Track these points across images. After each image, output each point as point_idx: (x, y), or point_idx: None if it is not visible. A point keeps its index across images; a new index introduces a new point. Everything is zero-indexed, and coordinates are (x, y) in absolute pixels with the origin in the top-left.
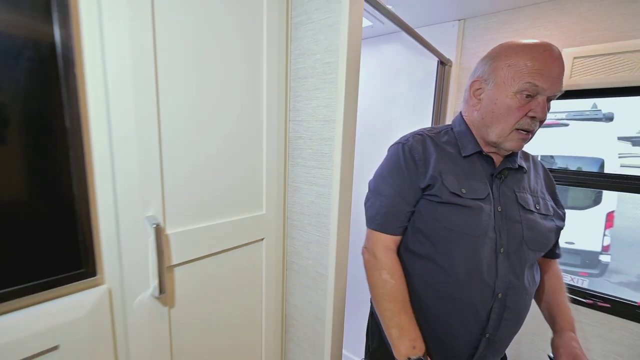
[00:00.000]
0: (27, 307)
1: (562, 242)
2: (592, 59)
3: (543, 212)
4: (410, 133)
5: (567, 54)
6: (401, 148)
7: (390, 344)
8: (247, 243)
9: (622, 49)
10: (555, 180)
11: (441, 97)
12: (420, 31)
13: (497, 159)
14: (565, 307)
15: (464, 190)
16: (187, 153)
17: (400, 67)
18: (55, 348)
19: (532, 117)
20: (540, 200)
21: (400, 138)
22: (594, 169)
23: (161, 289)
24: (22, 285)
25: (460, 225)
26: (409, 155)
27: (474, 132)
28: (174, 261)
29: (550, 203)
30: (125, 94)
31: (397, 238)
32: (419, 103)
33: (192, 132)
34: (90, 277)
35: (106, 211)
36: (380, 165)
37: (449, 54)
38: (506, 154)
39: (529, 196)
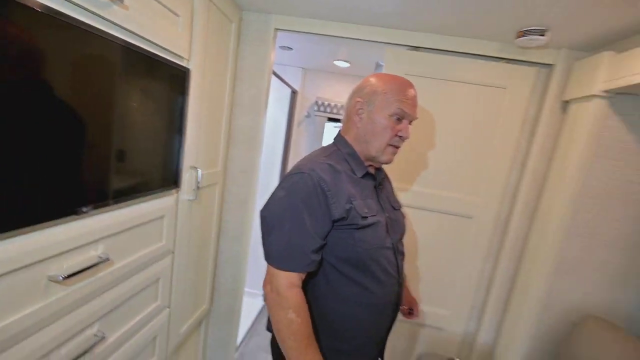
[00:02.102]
0: (155, 199)
1: None
2: None
3: (398, 207)
4: (309, 161)
5: None
6: (308, 179)
7: None
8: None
9: None
10: None
11: (293, 112)
12: (288, 70)
13: (372, 171)
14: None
15: (366, 210)
16: None
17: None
18: (162, 217)
19: (400, 137)
20: (395, 197)
21: (300, 166)
22: None
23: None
24: (156, 190)
25: (374, 242)
26: (318, 187)
27: (357, 150)
28: None
29: (396, 198)
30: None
31: (304, 274)
32: (281, 114)
33: None
34: (176, 188)
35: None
36: (279, 196)
37: (297, 87)
38: (378, 167)
39: (393, 196)
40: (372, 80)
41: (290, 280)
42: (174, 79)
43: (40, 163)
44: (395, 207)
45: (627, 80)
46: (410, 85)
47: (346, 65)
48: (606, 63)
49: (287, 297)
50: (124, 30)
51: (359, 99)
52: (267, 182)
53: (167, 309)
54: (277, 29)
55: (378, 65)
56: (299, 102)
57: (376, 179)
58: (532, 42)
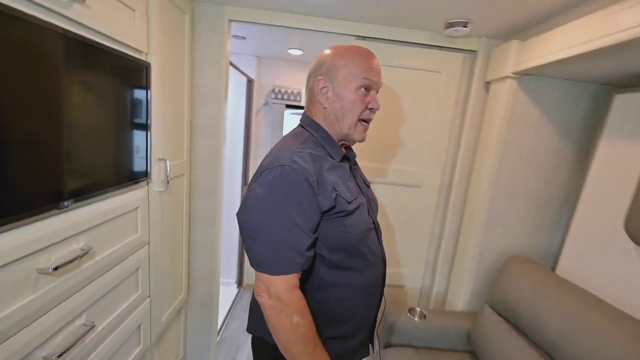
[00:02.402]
0: (129, 192)
1: None
2: None
3: (369, 184)
4: (286, 151)
5: None
6: (290, 172)
7: None
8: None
9: None
10: None
11: (251, 100)
12: (242, 58)
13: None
14: None
15: (349, 194)
16: None
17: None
18: (136, 208)
19: (371, 109)
20: (364, 175)
21: (279, 158)
22: None
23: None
24: (128, 183)
25: (362, 226)
26: (303, 180)
27: (329, 131)
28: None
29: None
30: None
31: (300, 273)
32: (239, 103)
33: None
34: (146, 180)
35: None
36: (259, 195)
37: (252, 75)
38: (348, 147)
39: (363, 175)
40: (329, 54)
41: (289, 283)
42: (135, 73)
43: (17, 161)
44: (367, 184)
45: (528, 64)
46: (371, 53)
47: (300, 52)
48: (514, 50)
49: (289, 302)
50: (85, 28)
51: (320, 78)
52: (231, 171)
53: (148, 298)
54: (231, 20)
55: None
56: (255, 90)
57: (350, 160)
58: (458, 32)
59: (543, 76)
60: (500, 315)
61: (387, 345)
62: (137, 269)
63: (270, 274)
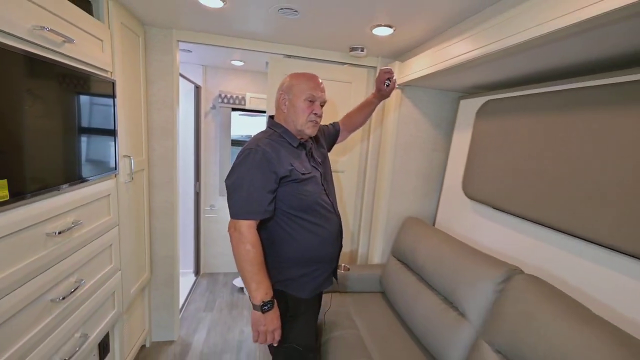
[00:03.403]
0: (104, 181)
1: None
2: None
3: (323, 161)
4: (254, 140)
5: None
6: (254, 152)
7: (250, 295)
8: None
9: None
10: None
11: (199, 105)
12: (189, 67)
13: (303, 142)
14: (362, 102)
15: (303, 169)
16: None
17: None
18: (109, 195)
19: (315, 114)
20: (322, 152)
21: (249, 144)
22: None
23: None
24: (104, 174)
25: (314, 191)
26: (262, 156)
27: (289, 128)
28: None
29: (324, 151)
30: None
31: (258, 220)
32: (189, 108)
33: None
34: (115, 172)
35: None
36: (236, 166)
37: (200, 83)
38: (306, 140)
39: (320, 153)
40: (288, 78)
41: (249, 225)
42: (106, 89)
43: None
44: (322, 159)
45: (405, 78)
46: (316, 77)
47: (241, 63)
48: (397, 68)
49: (246, 235)
50: (73, 59)
51: (282, 93)
52: (184, 167)
53: (119, 271)
54: (179, 40)
55: (267, 64)
56: (203, 95)
57: (306, 147)
58: (358, 54)
59: (418, 87)
60: (399, 260)
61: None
62: (111, 245)
63: (239, 219)
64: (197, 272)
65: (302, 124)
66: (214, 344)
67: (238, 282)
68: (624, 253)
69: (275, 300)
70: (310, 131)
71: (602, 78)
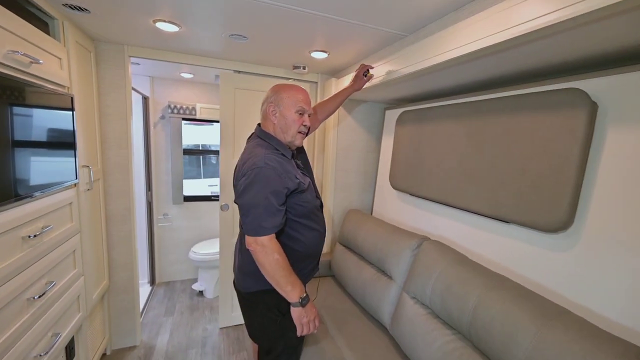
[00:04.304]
0: (66, 190)
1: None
2: None
3: (311, 171)
4: (261, 158)
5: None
6: (265, 170)
7: (286, 296)
8: None
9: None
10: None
11: (147, 115)
12: (136, 78)
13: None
14: (336, 94)
15: (302, 180)
16: None
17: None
18: (71, 203)
19: (305, 125)
20: (303, 156)
21: (256, 162)
22: None
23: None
24: (67, 182)
25: (312, 199)
26: (273, 172)
27: (279, 139)
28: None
29: (304, 155)
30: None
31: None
32: (137, 118)
33: None
34: (76, 182)
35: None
36: (247, 186)
37: (147, 93)
38: (293, 150)
39: (309, 166)
40: (277, 90)
41: (270, 237)
42: (66, 103)
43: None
44: (310, 170)
45: None
46: (304, 90)
47: (191, 76)
48: (333, 84)
49: (271, 247)
50: (40, 78)
51: (271, 104)
52: (135, 177)
53: (82, 277)
54: (131, 56)
55: (217, 77)
56: (151, 106)
57: (295, 157)
58: (301, 71)
59: (353, 99)
60: (344, 245)
61: None
62: (74, 251)
63: (259, 236)
64: (152, 281)
65: (292, 135)
66: (178, 342)
67: (197, 286)
68: (482, 215)
69: (307, 293)
70: (299, 142)
71: (468, 97)
